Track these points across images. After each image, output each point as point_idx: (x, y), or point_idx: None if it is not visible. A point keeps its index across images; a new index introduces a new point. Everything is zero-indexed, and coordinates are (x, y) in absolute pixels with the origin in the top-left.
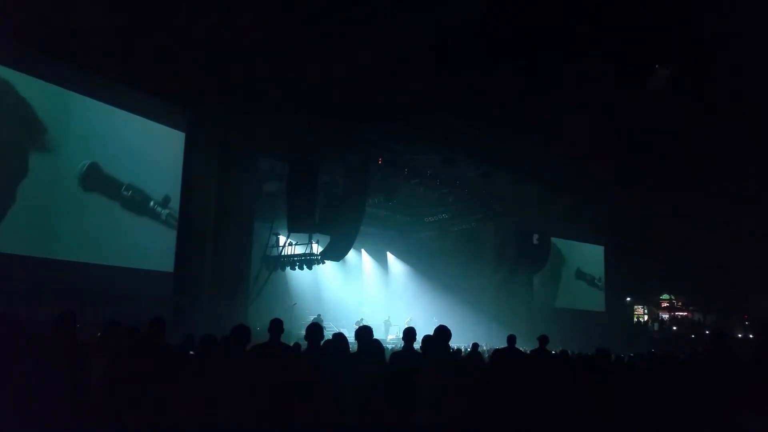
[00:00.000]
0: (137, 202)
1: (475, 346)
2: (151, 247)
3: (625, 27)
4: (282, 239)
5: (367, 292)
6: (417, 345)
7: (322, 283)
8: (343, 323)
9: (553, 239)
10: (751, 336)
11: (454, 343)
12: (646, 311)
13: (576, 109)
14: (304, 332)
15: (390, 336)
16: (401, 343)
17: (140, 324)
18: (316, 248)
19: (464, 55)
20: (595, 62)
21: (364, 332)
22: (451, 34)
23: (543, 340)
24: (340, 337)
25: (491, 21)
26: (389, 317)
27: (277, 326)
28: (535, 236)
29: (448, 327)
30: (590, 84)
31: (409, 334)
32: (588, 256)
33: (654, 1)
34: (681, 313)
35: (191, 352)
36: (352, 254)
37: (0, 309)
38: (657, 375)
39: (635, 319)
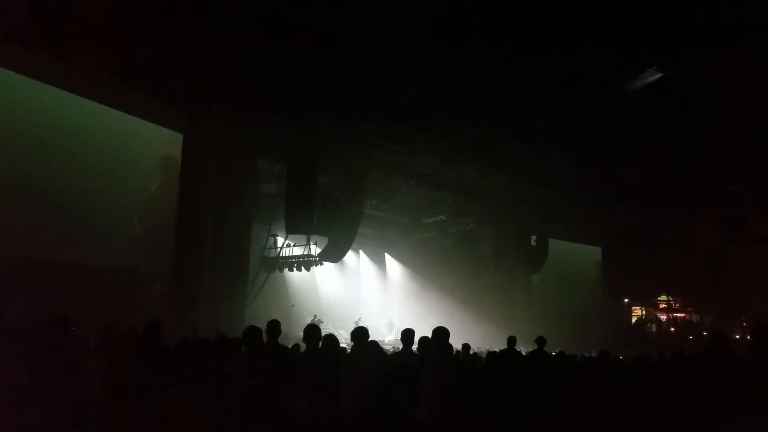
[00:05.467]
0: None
1: (466, 346)
2: (148, 248)
3: (624, 28)
4: (280, 240)
5: (365, 294)
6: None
7: (320, 285)
8: (341, 324)
9: (551, 240)
10: (748, 337)
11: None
12: (643, 312)
13: (575, 110)
14: (302, 334)
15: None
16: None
17: (137, 326)
18: (315, 250)
19: (463, 55)
20: (595, 62)
21: (360, 333)
22: (450, 33)
23: (541, 341)
24: (330, 338)
25: (490, 21)
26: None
27: (274, 327)
28: (533, 237)
29: (446, 328)
30: (589, 85)
31: (408, 335)
32: (585, 257)
33: (652, 3)
34: (679, 315)
35: (188, 354)
36: (350, 255)
37: None
38: (655, 376)
39: (633, 321)
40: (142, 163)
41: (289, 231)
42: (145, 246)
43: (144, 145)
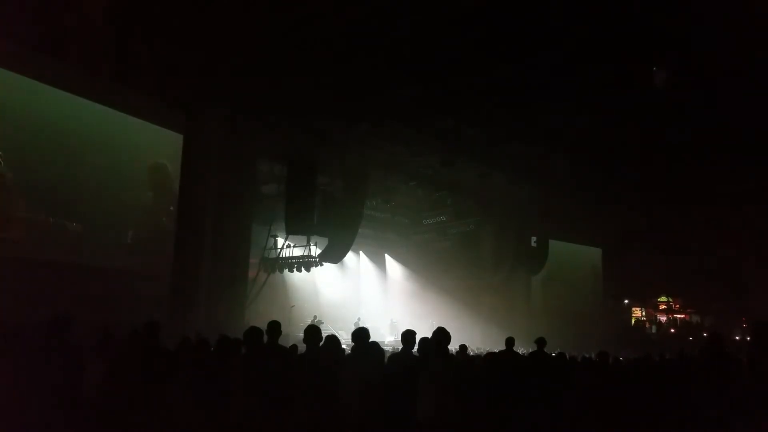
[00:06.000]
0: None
1: (463, 347)
2: (148, 248)
3: (624, 28)
4: (280, 241)
5: (365, 295)
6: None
7: (321, 286)
8: (341, 325)
9: (551, 241)
10: (748, 338)
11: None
12: (643, 313)
13: (575, 111)
14: (302, 335)
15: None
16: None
17: (137, 327)
18: (315, 250)
19: (462, 55)
20: (595, 63)
21: (361, 333)
22: (449, 34)
23: (541, 342)
24: (332, 339)
25: (490, 21)
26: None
27: (275, 328)
28: (533, 238)
29: (446, 329)
30: (589, 85)
31: (408, 336)
32: (585, 257)
33: (652, 5)
34: (679, 316)
35: (189, 355)
36: (350, 256)
37: None
38: (654, 377)
39: (633, 322)
40: (143, 163)
41: (289, 232)
42: (145, 247)
43: (144, 144)
